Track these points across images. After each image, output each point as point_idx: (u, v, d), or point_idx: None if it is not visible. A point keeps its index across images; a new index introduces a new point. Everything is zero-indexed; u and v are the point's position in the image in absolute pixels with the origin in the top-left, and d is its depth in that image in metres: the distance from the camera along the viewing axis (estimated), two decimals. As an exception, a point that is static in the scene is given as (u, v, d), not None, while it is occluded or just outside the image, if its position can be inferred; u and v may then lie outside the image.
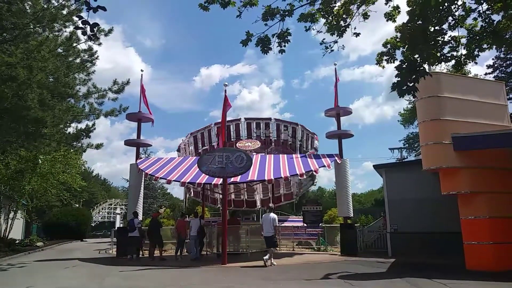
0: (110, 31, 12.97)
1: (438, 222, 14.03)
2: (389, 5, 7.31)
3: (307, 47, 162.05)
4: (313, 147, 19.92)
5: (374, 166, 17.19)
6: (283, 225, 20.47)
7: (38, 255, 18.69)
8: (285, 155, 18.56)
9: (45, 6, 12.57)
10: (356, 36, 7.13)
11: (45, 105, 12.24)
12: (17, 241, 22.40)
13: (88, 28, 4.02)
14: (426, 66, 6.44)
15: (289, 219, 23.65)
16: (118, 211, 44.50)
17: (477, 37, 6.67)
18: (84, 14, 4.05)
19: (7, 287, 9.39)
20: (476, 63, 7.26)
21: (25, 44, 11.89)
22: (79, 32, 13.19)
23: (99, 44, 13.59)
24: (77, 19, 4.36)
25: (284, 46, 6.80)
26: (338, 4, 7.11)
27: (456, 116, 11.39)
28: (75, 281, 10.29)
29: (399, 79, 5.88)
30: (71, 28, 13.43)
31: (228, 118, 18.12)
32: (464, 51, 6.88)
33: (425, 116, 11.80)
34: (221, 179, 14.29)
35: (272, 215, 13.24)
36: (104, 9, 3.86)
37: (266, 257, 12.44)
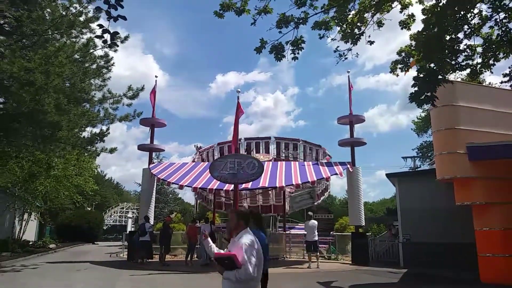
0: (126, 38, 13.15)
1: (452, 232, 13.79)
2: (404, 14, 7.30)
3: (321, 55, 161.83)
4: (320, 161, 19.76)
5: (386, 174, 17.02)
6: (291, 232, 20.41)
7: (50, 257, 18.91)
8: (297, 162, 18.54)
9: (63, 13, 12.83)
10: (370, 44, 7.13)
11: (61, 110, 12.41)
12: (30, 243, 22.71)
13: (108, 37, 4.07)
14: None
15: (296, 227, 23.51)
16: (129, 215, 44.86)
17: (493, 46, 6.60)
18: (105, 23, 4.10)
19: (21, 288, 9.52)
20: (492, 72, 7.20)
21: (43, 50, 12.12)
22: (97, 39, 13.46)
23: (115, 50, 13.78)
24: (97, 27, 4.42)
25: (298, 53, 6.82)
26: (353, 12, 7.12)
27: (471, 125, 11.23)
28: (86, 284, 10.39)
29: (416, 89, 5.82)
30: (88, 34, 13.66)
31: (258, 135, 17.98)
32: (479, 60, 6.81)
33: (440, 125, 11.66)
34: (233, 185, 14.32)
35: (315, 221, 14.71)
36: (124, 18, 3.91)
37: (314, 265, 14.23)
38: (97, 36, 4.09)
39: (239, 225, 3.74)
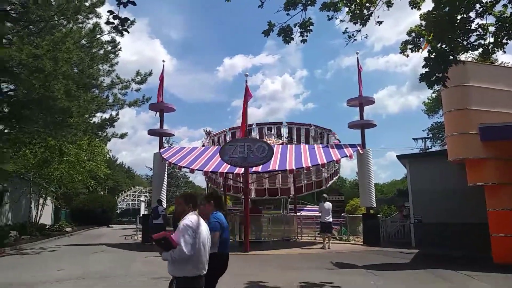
0: (132, 22, 13.10)
1: (464, 213, 13.74)
2: (415, -8, 7.11)
3: (330, 37, 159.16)
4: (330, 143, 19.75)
5: (397, 156, 16.94)
6: (302, 214, 20.56)
7: (67, 240, 19.38)
8: (307, 145, 18.50)
9: (69, -2, 12.77)
10: (379, 25, 6.97)
11: (71, 96, 12.51)
12: (47, 226, 23.27)
13: (118, 23, 4.07)
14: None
15: (305, 208, 23.62)
16: (142, 198, 45.55)
17: (506, 25, 6.41)
18: (114, 8, 4.07)
19: (40, 270, 9.80)
20: (504, 52, 7.01)
21: (51, 36, 12.15)
22: (107, 25, 13.42)
23: (122, 35, 13.75)
24: (102, 11, 4.41)
25: (306, 35, 6.72)
26: (362, -8, 6.95)
27: (483, 106, 11.03)
28: (103, 266, 10.64)
29: (427, 69, 5.71)
30: (94, 19, 13.65)
31: (267, 119, 17.94)
32: (492, 39, 6.63)
33: (451, 106, 11.48)
34: (243, 169, 14.39)
35: (329, 203, 15.11)
36: (134, 3, 3.90)
37: (326, 246, 14.45)
38: (107, 22, 4.07)
39: (186, 209, 3.75)
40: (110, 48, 14.20)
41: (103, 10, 13.65)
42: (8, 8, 12.85)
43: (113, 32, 12.76)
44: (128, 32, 4.25)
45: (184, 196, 3.91)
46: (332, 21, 7.03)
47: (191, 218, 3.65)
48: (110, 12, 4.11)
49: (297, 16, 6.67)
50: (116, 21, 4.03)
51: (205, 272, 3.66)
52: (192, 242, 3.49)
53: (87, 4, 12.95)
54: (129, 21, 4.09)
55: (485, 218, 10.95)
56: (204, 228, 3.73)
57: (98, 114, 15.29)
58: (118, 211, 44.77)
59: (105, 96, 15.10)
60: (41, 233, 19.81)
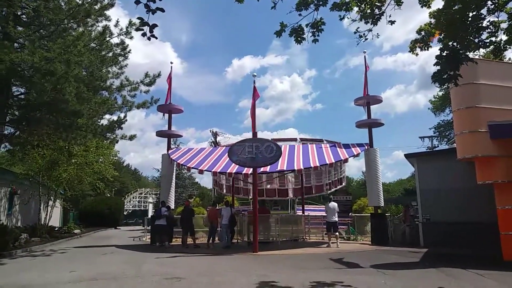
0: (154, 26, 13.24)
1: (473, 212, 13.70)
2: (425, -9, 7.15)
3: (337, 36, 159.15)
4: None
5: (405, 155, 16.89)
6: (310, 214, 20.57)
7: (76, 242, 19.52)
8: (314, 144, 18.54)
9: (79, 1, 12.94)
10: (391, 24, 7.00)
11: (82, 98, 12.65)
12: (56, 228, 23.44)
13: (147, 29, 4.16)
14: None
15: (309, 208, 23.59)
16: (150, 200, 45.72)
17: (519, 22, 6.44)
18: (120, 10, 4.16)
19: (52, 272, 9.90)
20: (515, 48, 7.03)
21: (62, 39, 12.29)
22: (112, 27, 13.51)
23: (131, 37, 13.92)
24: (110, 14, 4.49)
25: (318, 35, 6.79)
26: (371, -9, 6.99)
27: (493, 104, 11.03)
28: (114, 267, 10.72)
29: (438, 68, 5.76)
30: (104, 22, 13.81)
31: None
32: (504, 37, 6.66)
33: (460, 104, 11.49)
34: (251, 169, 14.46)
35: (335, 203, 15.50)
36: (162, 10, 3.99)
37: (334, 245, 14.74)
38: (137, 29, 4.17)
39: None
40: (119, 50, 14.34)
41: (112, 13, 13.80)
42: (19, 12, 13.04)
43: (126, 36, 12.97)
44: (156, 38, 4.33)
45: None
46: (339, 21, 7.08)
47: None
48: (140, 18, 4.19)
49: (308, 16, 6.74)
50: (145, 28, 4.12)
51: None
52: None
53: (96, 7, 13.10)
54: (157, 27, 4.17)
55: (494, 217, 10.94)
56: None
57: (107, 116, 15.43)
58: (125, 213, 44.99)
59: (113, 98, 15.22)
60: (50, 235, 19.95)
